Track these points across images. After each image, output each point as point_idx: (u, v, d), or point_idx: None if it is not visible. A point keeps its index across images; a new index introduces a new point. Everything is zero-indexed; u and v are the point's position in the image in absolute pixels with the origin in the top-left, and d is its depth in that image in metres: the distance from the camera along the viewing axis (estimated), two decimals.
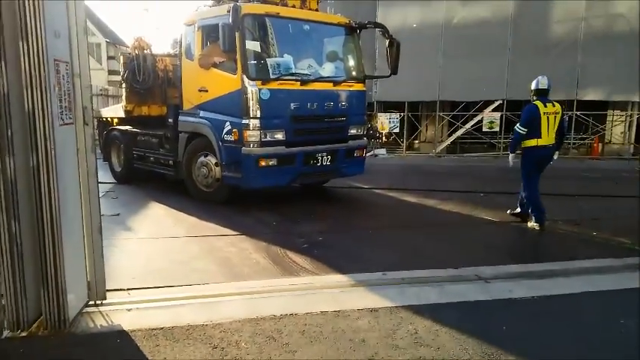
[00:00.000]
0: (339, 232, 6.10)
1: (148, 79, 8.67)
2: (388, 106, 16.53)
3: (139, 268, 4.64)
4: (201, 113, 7.26)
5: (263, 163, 6.66)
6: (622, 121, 15.33)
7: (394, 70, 7.78)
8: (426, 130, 16.84)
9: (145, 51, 8.90)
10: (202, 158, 7.43)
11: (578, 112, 14.51)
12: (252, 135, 6.57)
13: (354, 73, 7.90)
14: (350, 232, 6.19)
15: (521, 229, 6.36)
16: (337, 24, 7.74)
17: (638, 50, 12.98)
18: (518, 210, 6.58)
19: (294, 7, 7.45)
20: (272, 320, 3.43)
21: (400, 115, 15.81)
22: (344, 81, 7.54)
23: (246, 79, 6.52)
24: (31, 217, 3.08)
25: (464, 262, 4.73)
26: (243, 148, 6.63)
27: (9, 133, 2.93)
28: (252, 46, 6.65)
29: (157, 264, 4.78)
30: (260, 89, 6.49)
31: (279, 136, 6.77)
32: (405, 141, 16.01)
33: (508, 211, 6.73)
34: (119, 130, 9.60)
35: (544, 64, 14.14)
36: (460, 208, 7.45)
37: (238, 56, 6.54)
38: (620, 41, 13.52)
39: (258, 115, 6.54)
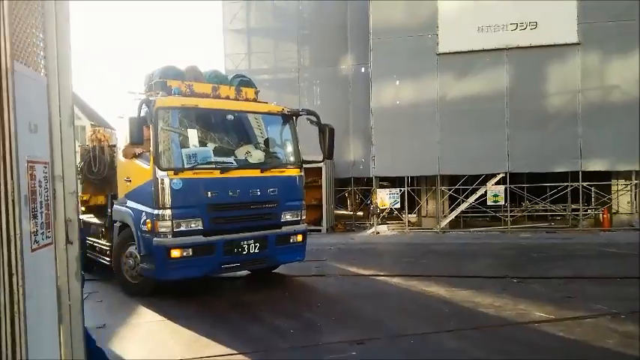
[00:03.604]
0: (372, 342, 5.09)
1: (103, 170, 8.70)
2: (382, 181, 16.04)
3: None
4: (128, 203, 7.24)
5: (176, 254, 6.50)
6: (627, 191, 14.95)
7: (329, 156, 8.04)
8: (427, 204, 16.23)
9: (102, 142, 9.02)
10: (130, 249, 7.24)
11: (584, 183, 14.10)
12: (163, 225, 6.48)
13: (287, 159, 7.92)
14: (385, 341, 5.18)
15: (597, 325, 5.40)
16: (268, 112, 7.83)
17: (639, 120, 12.85)
18: None
19: (227, 97, 7.59)
20: None
21: (400, 190, 15.23)
22: (274, 167, 7.57)
23: (157, 170, 6.51)
24: None
25: None
26: (155, 238, 6.51)
27: None
28: (165, 137, 6.69)
29: None
30: (171, 179, 6.48)
31: (196, 225, 6.65)
32: (406, 217, 15.29)
33: None
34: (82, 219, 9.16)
35: (544, 136, 14.00)
36: (499, 300, 6.52)
37: (151, 147, 6.57)
38: (619, 111, 13.44)
39: (169, 205, 6.49)
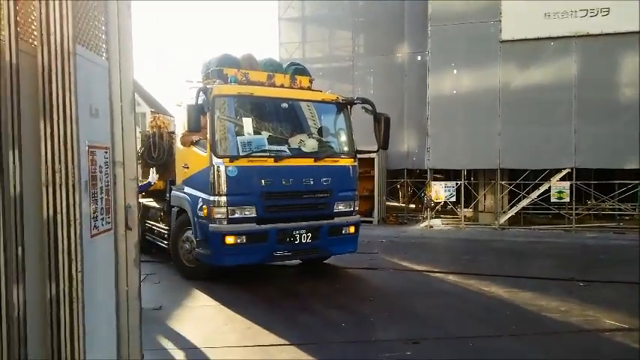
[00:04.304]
0: (428, 342, 4.88)
1: (162, 156, 8.89)
2: (436, 173, 15.56)
3: None
4: (185, 189, 7.37)
5: (230, 241, 6.56)
6: None
7: (384, 146, 7.78)
8: (484, 199, 15.60)
9: (162, 129, 9.18)
10: (187, 233, 7.37)
11: None
12: (219, 212, 6.56)
13: (341, 148, 7.79)
14: (442, 341, 4.96)
15: None
16: (322, 101, 7.76)
17: None
18: None
19: (282, 86, 7.59)
20: None
21: (456, 184, 14.72)
22: (328, 156, 7.45)
23: (213, 157, 6.57)
24: None
25: None
26: (211, 224, 6.60)
27: (18, 252, 2.02)
28: (222, 125, 6.73)
29: None
30: (227, 166, 6.53)
31: (249, 212, 6.69)
32: (462, 211, 14.78)
33: None
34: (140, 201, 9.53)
35: (615, 130, 13.05)
36: (565, 304, 6.09)
37: (208, 135, 6.65)
38: None
39: (225, 192, 6.54)
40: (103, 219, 2.35)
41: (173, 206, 7.87)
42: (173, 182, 8.03)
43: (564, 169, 13.56)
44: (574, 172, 13.41)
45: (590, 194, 14.67)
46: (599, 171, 13.98)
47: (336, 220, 7.41)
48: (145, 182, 8.86)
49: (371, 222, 14.69)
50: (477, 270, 8.08)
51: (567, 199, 13.74)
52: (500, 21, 13.55)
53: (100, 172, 2.32)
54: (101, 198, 2.33)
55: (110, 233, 2.44)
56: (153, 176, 8.90)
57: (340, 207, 7.48)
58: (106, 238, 2.39)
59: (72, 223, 2.09)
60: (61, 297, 2.09)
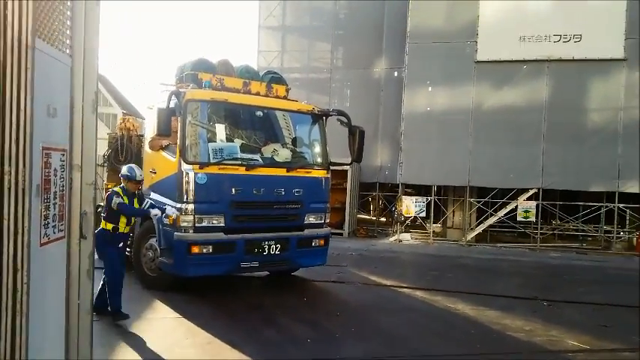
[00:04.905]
0: None
1: (130, 159, 8.55)
2: (407, 188, 15.67)
3: None
4: (151, 194, 7.04)
5: (196, 250, 6.35)
6: None
7: (358, 159, 7.66)
8: (453, 215, 15.78)
9: (131, 132, 8.96)
10: (151, 241, 7.08)
11: (620, 205, 13.46)
12: (185, 220, 6.37)
13: (315, 159, 7.70)
14: None
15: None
16: (298, 111, 7.61)
17: None
18: None
19: (258, 93, 7.40)
20: None
21: (427, 199, 14.84)
22: (301, 167, 7.37)
23: (182, 163, 6.39)
24: None
25: None
26: (176, 233, 6.39)
27: None
28: (193, 130, 6.54)
29: None
30: (196, 173, 6.34)
31: (217, 221, 6.50)
32: (431, 226, 14.89)
33: None
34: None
35: (582, 153, 13.44)
36: (529, 324, 6.14)
37: (178, 140, 6.46)
38: None
39: (193, 200, 6.36)
40: (55, 226, 2.19)
41: None
42: None
43: (531, 189, 13.87)
44: (540, 193, 13.73)
45: (555, 214, 15.02)
46: (564, 192, 14.33)
47: (307, 231, 7.27)
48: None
49: (341, 234, 14.64)
50: (444, 286, 8.09)
51: (533, 219, 14.04)
52: (477, 42, 13.87)
53: (55, 175, 2.16)
54: (54, 204, 2.17)
55: (62, 242, 2.27)
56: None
57: (311, 219, 7.35)
58: (57, 247, 2.22)
59: (20, 230, 1.93)
60: (2, 310, 1.92)
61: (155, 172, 7.19)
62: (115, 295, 5.59)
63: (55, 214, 2.18)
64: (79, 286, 2.36)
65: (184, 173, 6.36)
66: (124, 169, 6.01)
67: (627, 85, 13.07)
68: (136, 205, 5.96)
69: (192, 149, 6.48)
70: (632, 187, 13.24)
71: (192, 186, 6.34)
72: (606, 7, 13.17)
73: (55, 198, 2.18)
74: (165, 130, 6.29)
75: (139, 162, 8.29)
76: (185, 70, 7.22)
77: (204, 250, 6.37)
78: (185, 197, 6.36)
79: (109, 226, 5.70)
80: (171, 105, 6.37)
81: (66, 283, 2.31)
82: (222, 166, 6.55)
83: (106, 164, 9.25)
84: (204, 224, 6.43)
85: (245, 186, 6.64)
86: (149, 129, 7.56)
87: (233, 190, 6.55)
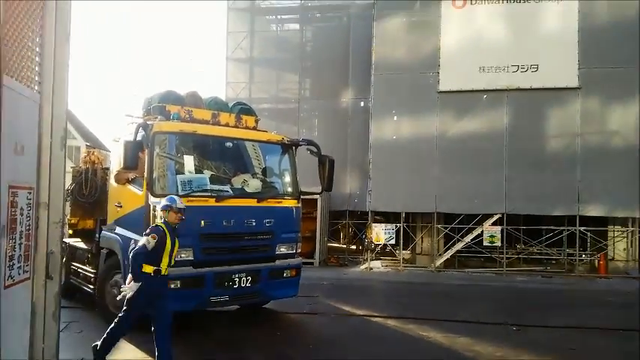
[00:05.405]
0: None
1: (94, 194, 8.44)
2: (377, 215, 15.80)
3: None
4: (117, 229, 6.95)
5: None
6: (624, 237, 14.79)
7: (328, 187, 7.79)
8: (422, 241, 15.96)
9: (96, 165, 8.78)
10: (115, 277, 6.84)
11: (581, 228, 13.94)
12: None
13: (285, 189, 7.71)
14: None
15: None
16: (267, 141, 7.67)
17: (638, 166, 12.81)
18: None
19: (227, 125, 7.40)
20: None
21: (396, 226, 14.98)
22: (271, 197, 7.33)
23: (150, 196, 6.26)
24: None
25: None
26: None
27: None
28: (161, 162, 6.48)
29: None
30: None
31: (186, 255, 6.29)
32: (401, 253, 14.99)
33: None
34: (66, 242, 8.83)
35: (543, 178, 13.90)
36: (500, 349, 6.23)
37: (146, 172, 6.37)
38: (618, 157, 13.40)
39: None
40: (20, 267, 2.11)
41: (102, 248, 7.38)
42: (104, 222, 7.57)
43: (495, 214, 14.19)
44: (505, 218, 14.07)
45: (519, 239, 15.38)
46: (528, 217, 14.73)
47: (278, 262, 7.18)
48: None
49: (312, 263, 14.55)
50: (415, 314, 8.12)
51: (498, 243, 14.32)
52: (439, 72, 14.34)
53: (22, 214, 2.10)
54: (20, 244, 2.09)
55: (27, 283, 2.19)
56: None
57: (282, 249, 7.28)
58: (22, 289, 2.14)
59: None
60: None
61: (121, 206, 7.01)
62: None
63: (20, 255, 2.10)
64: (44, 330, 2.26)
65: (151, 206, 6.21)
66: (163, 200, 5.48)
67: (582, 112, 13.69)
68: (176, 246, 5.31)
69: (159, 181, 6.39)
70: (592, 211, 13.73)
71: (159, 219, 6.21)
72: (560, 38, 13.87)
73: (20, 238, 2.10)
74: (132, 162, 6.17)
75: (104, 196, 8.13)
76: (153, 102, 7.17)
77: (172, 286, 6.13)
78: None
79: (149, 269, 5.11)
80: (139, 137, 6.28)
81: (30, 326, 2.21)
82: (191, 198, 6.42)
83: (69, 198, 8.86)
84: None
85: (215, 218, 6.54)
86: (115, 162, 7.40)
87: (202, 222, 6.41)
